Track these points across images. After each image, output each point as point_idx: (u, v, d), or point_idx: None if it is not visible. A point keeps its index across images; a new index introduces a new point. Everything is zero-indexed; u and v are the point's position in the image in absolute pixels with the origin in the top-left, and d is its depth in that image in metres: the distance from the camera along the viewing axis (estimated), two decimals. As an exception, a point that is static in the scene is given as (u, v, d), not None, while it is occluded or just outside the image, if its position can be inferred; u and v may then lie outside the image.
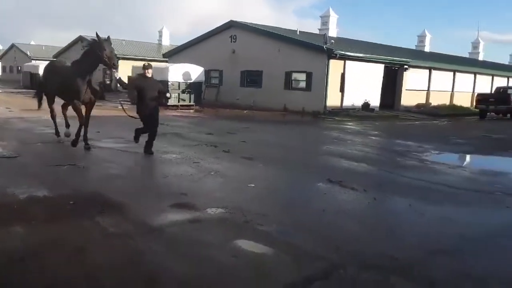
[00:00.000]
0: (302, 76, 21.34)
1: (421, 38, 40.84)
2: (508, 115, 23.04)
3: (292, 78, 21.79)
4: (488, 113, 23.46)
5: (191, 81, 19.95)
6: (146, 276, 3.32)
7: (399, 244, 4.19)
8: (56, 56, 40.36)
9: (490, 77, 31.65)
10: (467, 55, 45.24)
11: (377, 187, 6.40)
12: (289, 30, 26.10)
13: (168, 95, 8.32)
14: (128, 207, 4.81)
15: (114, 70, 7.94)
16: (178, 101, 19.20)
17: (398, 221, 5.03)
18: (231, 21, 24.59)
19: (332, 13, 31.46)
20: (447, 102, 27.47)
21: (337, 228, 4.59)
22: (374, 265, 3.63)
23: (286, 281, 3.30)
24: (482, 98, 23.91)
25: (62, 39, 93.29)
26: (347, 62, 20.99)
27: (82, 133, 8.01)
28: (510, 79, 33.23)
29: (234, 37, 24.20)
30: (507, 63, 48.64)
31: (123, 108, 8.86)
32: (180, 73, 19.56)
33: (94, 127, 8.39)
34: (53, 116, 9.22)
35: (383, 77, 23.24)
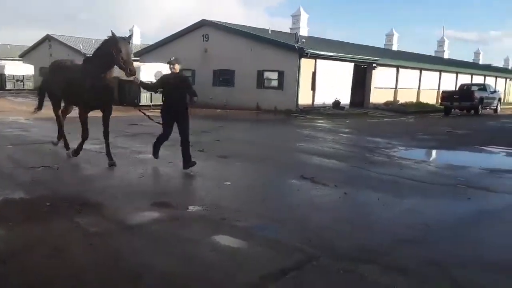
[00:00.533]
0: (274, 75, 21.61)
1: (389, 37, 41.95)
2: (472, 111, 24.00)
3: (265, 77, 22.02)
4: (452, 110, 24.36)
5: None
6: (129, 273, 3.42)
7: (369, 235, 4.43)
8: (22, 55, 39.24)
9: (455, 74, 32.85)
10: (433, 53, 46.72)
11: (347, 182, 6.66)
12: (261, 29, 26.33)
13: (195, 98, 6.98)
14: (107, 207, 4.88)
15: (134, 77, 6.86)
16: (151, 101, 19.10)
17: (367, 213, 5.28)
18: (203, 20, 24.59)
19: (302, 12, 31.92)
20: (414, 99, 28.35)
21: (310, 221, 4.81)
22: (346, 255, 3.84)
23: (262, 272, 3.47)
24: (447, 95, 24.79)
25: (29, 38, 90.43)
26: (318, 61, 21.39)
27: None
28: (473, 76, 34.55)
29: (206, 36, 24.21)
30: (471, 60, 50.51)
31: (144, 113, 7.52)
32: (152, 72, 19.40)
33: (67, 128, 8.25)
34: (59, 123, 8.05)
35: (353, 76, 23.79)
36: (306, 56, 20.36)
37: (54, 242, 3.88)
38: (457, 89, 27.51)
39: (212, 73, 23.99)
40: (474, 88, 25.66)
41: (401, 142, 11.65)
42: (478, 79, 33.45)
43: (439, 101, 26.09)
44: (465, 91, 24.78)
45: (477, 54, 53.79)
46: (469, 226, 4.90)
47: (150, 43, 30.22)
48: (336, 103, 22.18)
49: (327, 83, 21.72)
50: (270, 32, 25.41)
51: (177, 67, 6.84)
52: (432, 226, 4.71)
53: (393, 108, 24.88)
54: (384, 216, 5.14)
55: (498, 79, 38.11)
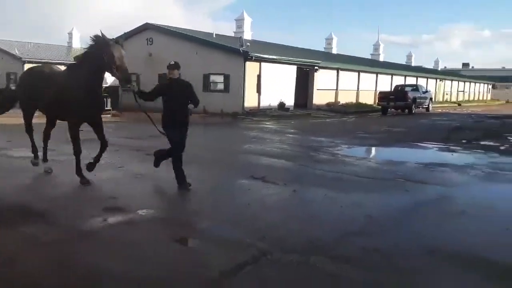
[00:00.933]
0: (220, 78, 21.73)
1: (329, 41, 43.50)
2: (406, 110, 25.57)
3: (211, 81, 22.07)
4: (389, 109, 25.82)
5: (107, 85, 19.34)
6: (86, 280, 3.40)
7: (317, 229, 4.68)
8: None
9: (390, 76, 34.77)
10: (369, 57, 49.04)
11: (295, 180, 6.94)
12: (206, 33, 26.37)
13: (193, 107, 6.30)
14: (56, 214, 4.78)
15: (129, 85, 5.97)
16: (106, 105, 18.55)
17: (315, 209, 5.56)
18: (147, 23, 24.20)
19: (246, 16, 32.25)
20: (354, 100, 29.67)
21: (262, 219, 5.00)
22: (297, 249, 4.06)
23: (221, 269, 3.61)
24: (383, 96, 26.23)
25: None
26: (263, 64, 21.80)
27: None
28: (407, 77, 36.72)
29: (151, 39, 23.85)
30: (404, 63, 53.60)
31: (150, 117, 6.38)
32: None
33: (3, 136, 7.86)
34: (30, 131, 7.09)
35: (296, 78, 24.49)
36: (251, 59, 20.70)
37: (2, 254, 3.77)
38: (392, 90, 29.15)
39: (157, 77, 23.61)
40: (407, 88, 27.35)
41: (343, 141, 12.22)
42: (411, 80, 35.61)
43: (377, 101, 27.53)
44: (399, 92, 26.35)
45: (409, 56, 57.20)
46: (408, 216, 5.29)
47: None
48: (281, 105, 22.72)
49: (272, 85, 22.20)
50: (214, 36, 25.51)
51: (177, 73, 6.10)
52: (375, 218, 5.05)
53: (334, 108, 25.89)
54: (331, 211, 5.44)
55: (429, 79, 40.83)
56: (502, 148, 11.63)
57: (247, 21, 32.30)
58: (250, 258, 3.83)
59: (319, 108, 25.52)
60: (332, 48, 42.44)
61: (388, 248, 4.19)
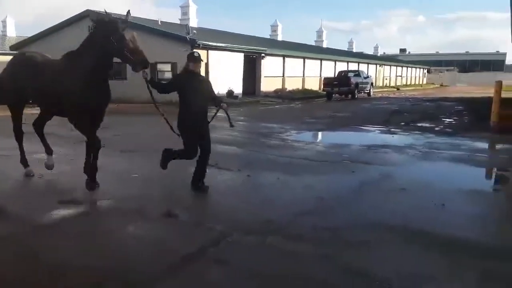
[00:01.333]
0: (168, 67, 21.38)
1: (274, 28, 43.95)
2: (349, 95, 26.62)
3: (158, 69, 21.68)
4: (333, 95, 26.75)
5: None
6: (50, 273, 3.41)
7: (272, 210, 4.94)
8: None
9: (333, 62, 35.87)
10: (313, 43, 50.17)
11: (249, 166, 7.18)
12: (151, 20, 25.73)
13: (224, 105, 5.60)
14: (11, 209, 4.68)
15: (145, 70, 5.17)
16: None
17: (269, 192, 5.83)
18: (88, 10, 23.14)
19: (191, 3, 31.79)
20: (300, 87, 30.38)
21: (220, 203, 5.20)
22: (254, 229, 4.31)
23: (184, 252, 3.77)
24: (327, 82, 27.13)
25: None
26: (210, 52, 21.72)
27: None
28: (349, 63, 38.05)
29: (93, 27, 22.94)
30: (346, 49, 55.35)
31: (164, 117, 5.59)
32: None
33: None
34: (19, 135, 6.21)
35: (244, 65, 24.67)
36: (198, 47, 20.52)
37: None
38: (336, 76, 30.17)
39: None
40: (350, 74, 28.47)
41: (292, 127, 12.63)
42: (353, 66, 36.98)
43: (322, 87, 28.39)
44: (343, 78, 27.39)
45: (351, 43, 59.19)
46: (355, 195, 5.68)
47: (29, 35, 27.49)
48: (230, 93, 22.82)
49: (220, 73, 22.20)
50: (160, 23, 24.99)
51: (199, 66, 5.42)
52: (325, 199, 5.40)
53: (282, 95, 26.41)
54: (284, 193, 5.73)
55: (369, 65, 42.55)
56: (437, 129, 12.57)
57: (193, 8, 31.85)
58: (211, 241, 4.03)
59: (267, 95, 25.92)
60: (277, 35, 42.95)
61: (338, 225, 4.53)
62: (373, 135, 11.53)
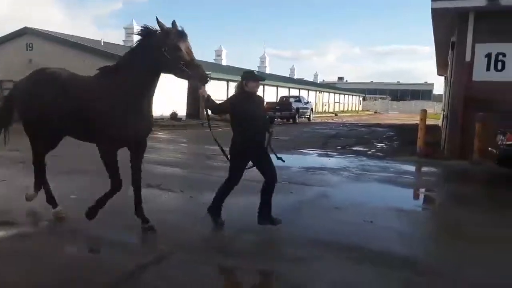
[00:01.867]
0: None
1: (218, 52, 44.74)
2: (291, 120, 27.56)
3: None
4: (275, 119, 27.55)
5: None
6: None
7: (214, 229, 5.11)
8: None
9: (276, 87, 37.03)
10: (256, 69, 51.45)
11: (192, 187, 7.30)
12: (93, 40, 25.30)
13: (272, 130, 5.12)
14: None
15: (202, 86, 4.57)
16: None
17: (212, 212, 5.99)
18: (26, 27, 22.39)
19: (135, 25, 31.61)
20: (243, 110, 30.93)
21: (163, 224, 5.25)
22: (197, 248, 4.44)
23: (125, 270, 3.82)
24: (269, 106, 27.90)
25: None
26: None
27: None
28: (290, 89, 39.43)
29: (31, 45, 22.10)
30: (287, 75, 57.31)
31: (209, 127, 5.41)
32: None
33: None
34: (41, 167, 5.31)
35: (188, 89, 24.79)
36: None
37: None
38: (278, 100, 31.14)
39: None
40: (291, 99, 29.54)
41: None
42: (294, 92, 38.39)
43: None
44: (284, 103, 28.37)
45: (292, 69, 61.44)
46: (294, 214, 5.99)
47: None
48: (174, 115, 22.80)
49: (165, 95, 22.05)
50: (102, 43, 24.61)
51: (258, 87, 4.93)
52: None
53: (225, 118, 26.70)
54: (226, 213, 5.89)
55: (309, 91, 44.37)
56: (369, 152, 13.42)
57: (137, 29, 31.68)
58: (153, 260, 4.10)
59: (211, 118, 26.10)
60: (222, 59, 43.70)
61: (278, 240, 4.83)
62: (312, 158, 12.08)
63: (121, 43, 31.01)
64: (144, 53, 4.36)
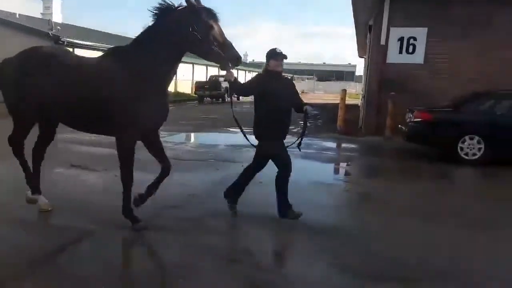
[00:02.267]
0: (24, 63, 19.61)
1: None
2: (220, 99, 27.66)
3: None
4: (205, 98, 27.51)
5: None
6: None
7: (141, 206, 5.17)
8: None
9: (205, 67, 36.71)
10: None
11: (115, 166, 7.20)
12: (7, 12, 23.20)
13: (309, 108, 4.83)
14: None
15: (229, 68, 4.12)
16: None
17: (139, 189, 6.02)
18: None
19: (54, -3, 29.54)
20: (173, 90, 30.44)
21: (89, 203, 5.25)
22: (124, 225, 4.47)
23: (47, 250, 3.85)
24: (199, 85, 27.82)
25: None
26: (76, 50, 20.46)
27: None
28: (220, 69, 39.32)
29: None
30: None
31: (238, 124, 5.16)
32: None
33: None
34: (20, 152, 4.74)
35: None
36: (63, 44, 19.26)
37: None
38: (207, 80, 31.00)
39: None
40: (221, 79, 29.52)
41: (163, 128, 12.69)
42: (223, 72, 38.32)
43: (194, 90, 28.93)
44: (214, 82, 28.30)
45: (223, 49, 60.96)
46: (219, 189, 6.23)
47: None
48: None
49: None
50: (18, 16, 22.72)
51: (281, 66, 4.63)
52: (192, 193, 5.89)
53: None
54: (160, 190, 5.99)
55: (239, 71, 44.54)
56: (294, 130, 13.92)
57: (56, 2, 29.54)
58: (75, 239, 4.13)
59: (137, 96, 25.39)
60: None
61: (204, 215, 5.02)
62: (239, 136, 12.33)
63: (39, 16, 28.74)
64: (170, 32, 3.88)
